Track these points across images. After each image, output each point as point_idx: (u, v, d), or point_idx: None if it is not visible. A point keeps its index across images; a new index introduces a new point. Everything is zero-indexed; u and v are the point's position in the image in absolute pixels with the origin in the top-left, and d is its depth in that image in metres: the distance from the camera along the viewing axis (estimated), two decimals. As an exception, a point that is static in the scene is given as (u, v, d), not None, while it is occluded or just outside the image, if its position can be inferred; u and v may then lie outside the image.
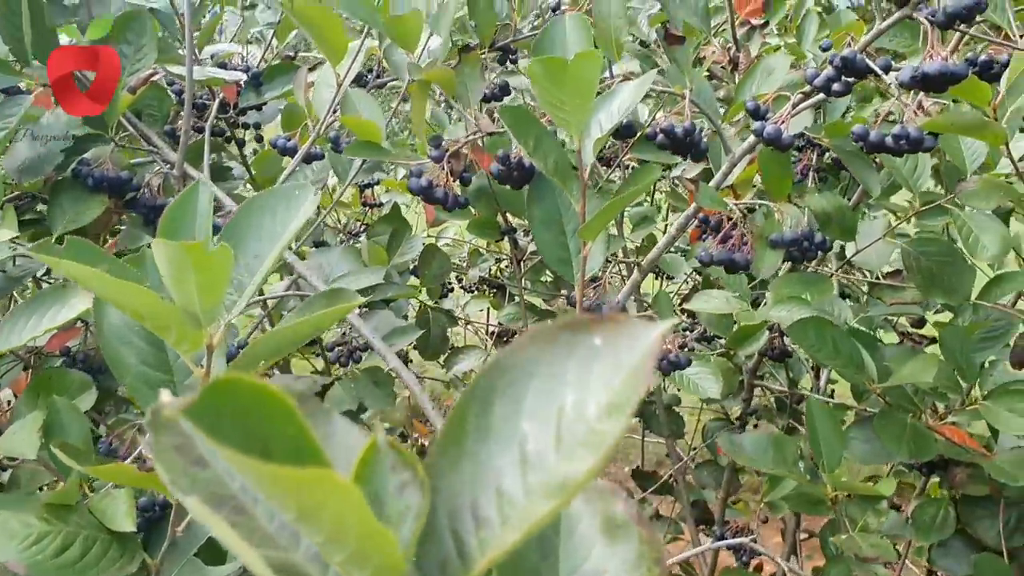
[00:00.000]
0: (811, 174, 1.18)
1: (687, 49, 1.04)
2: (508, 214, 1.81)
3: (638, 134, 1.01)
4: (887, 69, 0.82)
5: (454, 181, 0.93)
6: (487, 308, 2.24)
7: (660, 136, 0.95)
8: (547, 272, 2.10)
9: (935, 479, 1.37)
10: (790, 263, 1.34)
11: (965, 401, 1.13)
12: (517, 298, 1.84)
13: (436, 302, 1.96)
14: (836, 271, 1.29)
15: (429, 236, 2.06)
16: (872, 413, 1.21)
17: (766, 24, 1.43)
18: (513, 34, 1.20)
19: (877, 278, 1.33)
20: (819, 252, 1.00)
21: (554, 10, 1.33)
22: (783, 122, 0.90)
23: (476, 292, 2.15)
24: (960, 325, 1.16)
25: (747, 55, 1.31)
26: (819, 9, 1.66)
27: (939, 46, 0.78)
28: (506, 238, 1.85)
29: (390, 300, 1.58)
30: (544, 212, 0.86)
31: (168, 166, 1.10)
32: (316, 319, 0.47)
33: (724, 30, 1.45)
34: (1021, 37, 0.86)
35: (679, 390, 1.52)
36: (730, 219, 0.99)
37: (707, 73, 1.33)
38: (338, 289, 0.88)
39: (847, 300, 1.48)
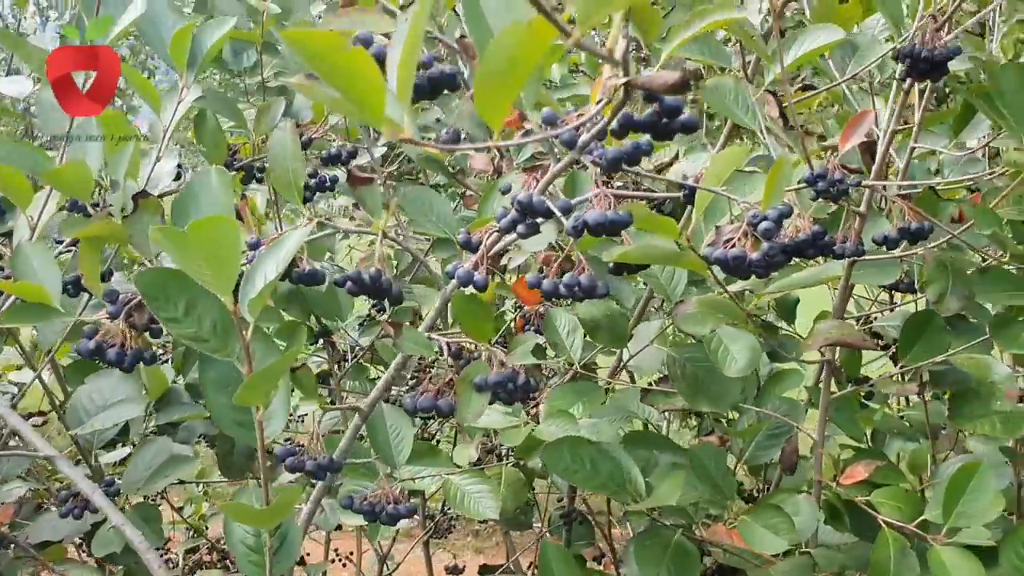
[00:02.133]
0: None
1: (375, 190, 1.00)
2: (320, 317, 1.76)
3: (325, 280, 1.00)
4: (566, 211, 0.79)
5: (138, 335, 0.87)
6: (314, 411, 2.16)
7: (348, 284, 0.91)
8: (374, 367, 2.04)
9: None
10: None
11: (726, 516, 1.10)
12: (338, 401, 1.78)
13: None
14: (612, 377, 1.27)
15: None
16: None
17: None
18: (254, 152, 1.16)
19: (650, 384, 1.30)
20: (526, 394, 0.97)
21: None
22: (478, 265, 0.86)
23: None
24: (712, 444, 1.14)
25: (510, 164, 1.29)
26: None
27: (603, 195, 0.75)
28: (321, 341, 1.80)
29: (177, 423, 1.50)
30: (219, 373, 0.80)
31: None
32: None
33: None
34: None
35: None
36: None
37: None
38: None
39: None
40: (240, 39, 1.44)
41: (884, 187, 1.05)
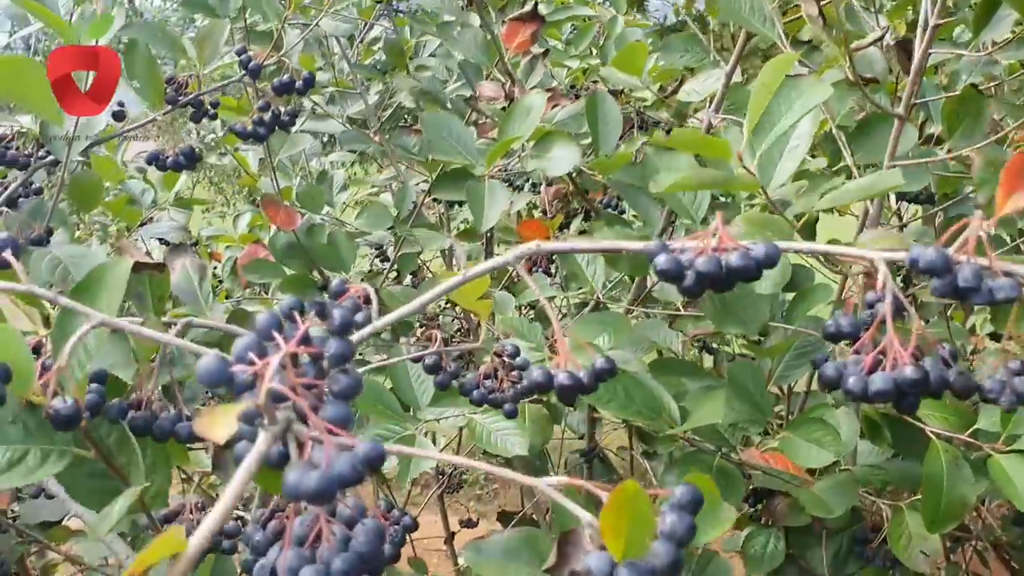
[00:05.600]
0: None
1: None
2: (323, 269, 1.72)
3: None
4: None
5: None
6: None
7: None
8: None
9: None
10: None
11: (768, 434, 1.08)
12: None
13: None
14: (634, 306, 1.23)
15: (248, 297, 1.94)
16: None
17: (547, 52, 1.37)
18: (200, 86, 1.10)
19: (678, 309, 1.27)
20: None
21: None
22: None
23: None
24: (748, 361, 1.11)
25: (522, 89, 1.24)
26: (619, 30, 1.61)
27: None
28: (324, 293, 1.76)
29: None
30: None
31: None
32: None
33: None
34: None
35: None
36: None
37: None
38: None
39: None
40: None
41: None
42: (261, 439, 0.42)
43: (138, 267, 0.70)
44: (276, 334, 0.43)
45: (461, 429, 1.72)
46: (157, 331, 0.78)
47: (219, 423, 0.41)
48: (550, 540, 1.02)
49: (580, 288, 1.26)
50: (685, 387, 1.17)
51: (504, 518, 2.03)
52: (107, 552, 1.59)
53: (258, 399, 0.41)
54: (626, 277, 1.34)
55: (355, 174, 3.04)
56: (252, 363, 0.42)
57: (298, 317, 0.45)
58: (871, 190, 0.80)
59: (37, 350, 0.68)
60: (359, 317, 0.71)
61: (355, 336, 0.56)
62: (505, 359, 0.90)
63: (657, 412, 1.07)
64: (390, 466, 1.18)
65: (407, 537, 1.02)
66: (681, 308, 1.25)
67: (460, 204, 2.04)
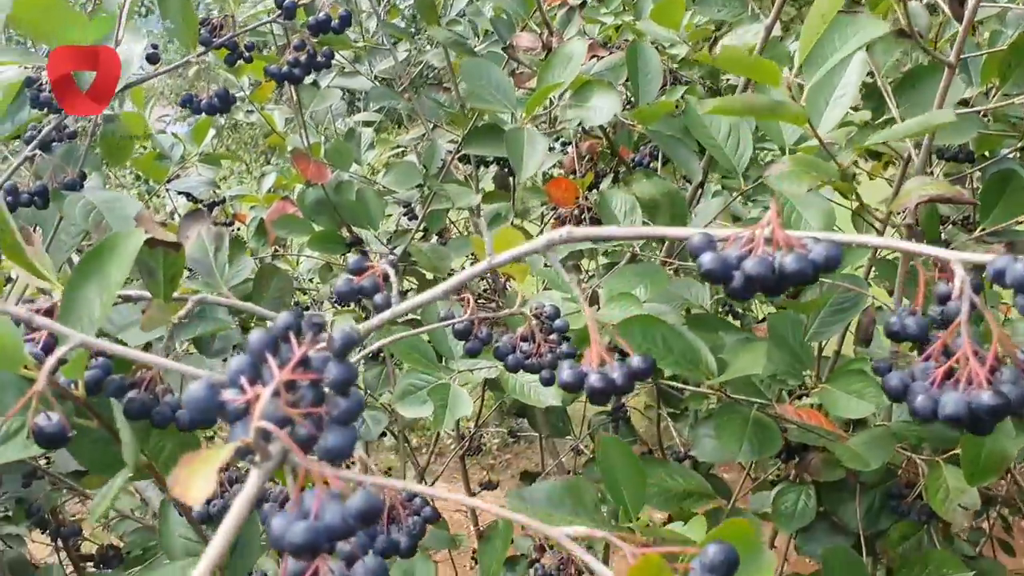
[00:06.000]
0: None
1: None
2: (351, 225, 1.72)
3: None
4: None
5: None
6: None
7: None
8: (408, 279, 2.00)
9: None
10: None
11: (806, 386, 1.07)
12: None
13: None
14: (669, 259, 1.23)
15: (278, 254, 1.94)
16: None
17: (583, 4, 1.36)
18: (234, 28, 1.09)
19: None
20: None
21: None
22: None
23: (339, 309, 2.05)
24: (790, 312, 1.10)
25: (560, 39, 1.23)
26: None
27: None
28: (352, 250, 1.76)
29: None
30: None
31: None
32: None
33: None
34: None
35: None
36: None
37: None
38: None
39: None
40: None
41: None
42: (252, 479, 0.38)
43: (152, 243, 0.66)
44: (270, 358, 0.39)
45: (485, 382, 1.72)
46: (164, 316, 0.73)
47: (197, 481, 0.36)
48: (593, 490, 1.02)
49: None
50: (722, 341, 1.16)
51: (527, 477, 2.03)
52: (136, 503, 1.61)
53: (248, 435, 0.37)
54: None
55: (378, 139, 3.03)
56: (244, 390, 0.38)
57: (293, 339, 0.41)
58: (925, 125, 0.79)
59: (51, 313, 0.63)
60: (378, 299, 0.67)
61: (375, 320, 0.54)
62: (544, 320, 0.84)
63: (695, 363, 1.07)
64: (425, 415, 1.18)
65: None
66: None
67: (487, 164, 2.04)
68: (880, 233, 1.26)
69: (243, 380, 0.38)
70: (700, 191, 1.26)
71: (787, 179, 0.87)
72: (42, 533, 1.38)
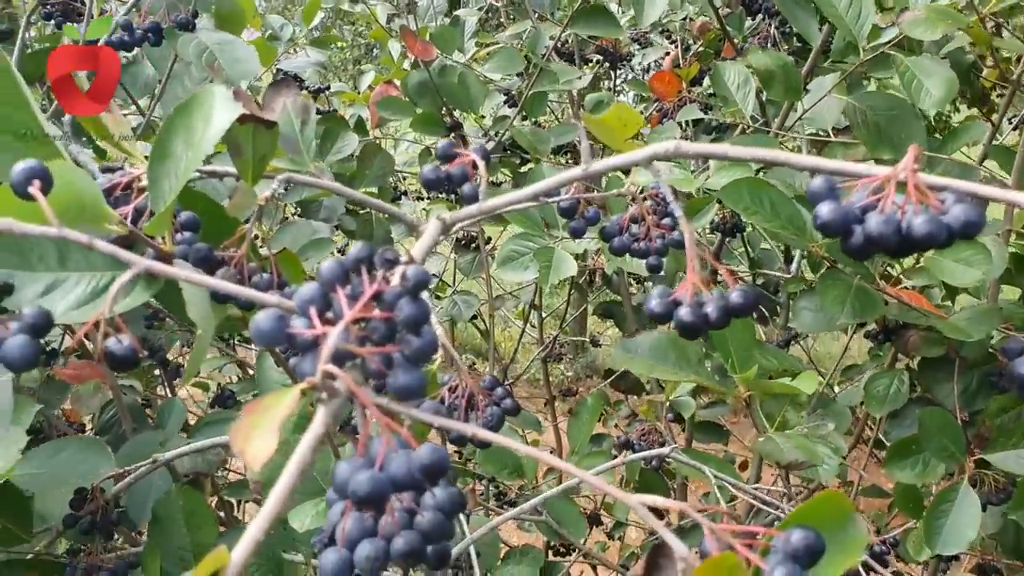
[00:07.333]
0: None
1: None
2: (453, 109, 1.74)
3: None
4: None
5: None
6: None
7: None
8: (501, 171, 2.03)
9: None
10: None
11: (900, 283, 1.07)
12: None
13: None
14: (782, 131, 1.23)
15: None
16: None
17: None
18: None
19: (828, 135, 1.26)
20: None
21: None
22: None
23: (431, 198, 2.09)
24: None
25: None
26: None
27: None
28: (452, 134, 1.79)
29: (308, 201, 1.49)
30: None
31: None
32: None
33: None
34: None
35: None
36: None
37: None
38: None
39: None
40: None
41: None
42: (318, 418, 0.35)
43: (244, 119, 0.62)
44: (341, 291, 0.37)
45: (571, 288, 1.74)
46: (251, 200, 0.67)
47: (258, 437, 0.33)
48: (698, 345, 1.04)
49: (726, 110, 1.25)
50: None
51: (609, 374, 2.07)
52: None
53: (315, 372, 0.35)
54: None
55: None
56: (313, 323, 0.36)
57: (365, 273, 0.38)
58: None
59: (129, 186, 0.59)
60: (467, 189, 0.62)
61: (462, 212, 0.50)
62: (659, 202, 0.79)
63: (801, 229, 1.08)
64: (530, 278, 1.21)
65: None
66: (831, 134, 1.24)
67: (587, 63, 2.04)
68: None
69: (312, 312, 0.37)
70: (814, 65, 1.25)
71: (921, 25, 0.86)
72: (162, 371, 1.46)
